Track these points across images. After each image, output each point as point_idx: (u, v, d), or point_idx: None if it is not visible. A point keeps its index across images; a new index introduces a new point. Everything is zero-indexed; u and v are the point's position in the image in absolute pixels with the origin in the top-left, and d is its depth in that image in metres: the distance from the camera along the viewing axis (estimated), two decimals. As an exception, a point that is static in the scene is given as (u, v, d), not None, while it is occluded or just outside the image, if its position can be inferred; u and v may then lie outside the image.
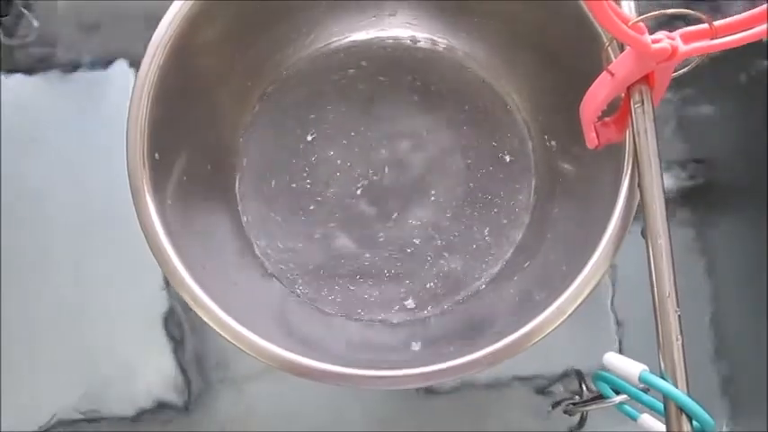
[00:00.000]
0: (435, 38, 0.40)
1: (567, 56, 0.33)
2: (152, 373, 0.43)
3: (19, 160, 0.45)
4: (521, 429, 0.42)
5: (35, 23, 0.45)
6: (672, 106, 0.45)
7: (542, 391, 0.42)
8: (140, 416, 0.42)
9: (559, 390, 0.42)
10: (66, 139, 0.45)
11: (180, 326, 0.43)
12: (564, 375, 0.42)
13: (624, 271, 0.43)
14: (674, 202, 0.45)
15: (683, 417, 0.25)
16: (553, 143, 0.38)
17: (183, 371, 0.42)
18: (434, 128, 0.40)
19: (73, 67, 0.46)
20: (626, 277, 0.43)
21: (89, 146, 0.45)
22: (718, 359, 0.43)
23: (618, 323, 0.43)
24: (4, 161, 0.44)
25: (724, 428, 0.43)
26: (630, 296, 0.43)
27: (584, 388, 0.38)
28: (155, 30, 0.34)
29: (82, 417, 0.43)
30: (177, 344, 0.43)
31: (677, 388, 0.25)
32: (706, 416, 0.25)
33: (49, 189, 0.44)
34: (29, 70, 0.46)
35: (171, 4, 0.32)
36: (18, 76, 0.46)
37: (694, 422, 0.25)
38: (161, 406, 0.42)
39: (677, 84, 0.45)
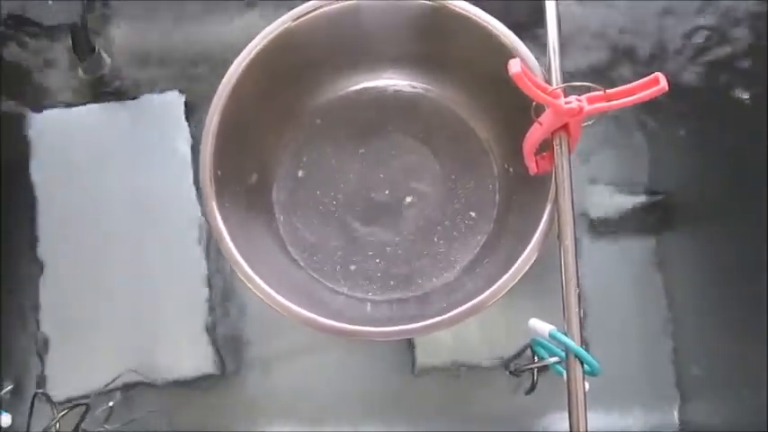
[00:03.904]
0: (428, 86, 0.49)
1: (519, 102, 0.38)
2: (192, 349, 0.48)
3: (89, 170, 0.51)
4: (498, 404, 0.49)
5: (107, 60, 0.53)
6: (639, 135, 0.51)
7: (507, 365, 0.48)
8: (180, 385, 0.48)
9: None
10: (129, 153, 0.51)
11: (216, 311, 0.49)
12: (525, 350, 0.48)
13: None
14: (638, 219, 0.50)
15: (577, 362, 0.33)
16: (511, 169, 0.46)
17: (219, 348, 0.48)
18: (424, 154, 0.48)
19: (134, 96, 0.52)
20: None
21: (146, 158, 0.51)
22: (674, 356, 0.49)
23: (583, 300, 0.48)
24: (77, 170, 0.51)
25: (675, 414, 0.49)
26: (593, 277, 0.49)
27: (535, 357, 0.44)
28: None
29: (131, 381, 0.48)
30: (215, 324, 0.49)
31: (573, 342, 0.34)
32: (593, 360, 0.33)
33: (113, 191, 0.51)
34: (100, 99, 0.52)
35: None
36: (92, 106, 0.52)
37: (585, 366, 0.33)
38: (200, 378, 0.48)
39: (643, 115, 0.51)
